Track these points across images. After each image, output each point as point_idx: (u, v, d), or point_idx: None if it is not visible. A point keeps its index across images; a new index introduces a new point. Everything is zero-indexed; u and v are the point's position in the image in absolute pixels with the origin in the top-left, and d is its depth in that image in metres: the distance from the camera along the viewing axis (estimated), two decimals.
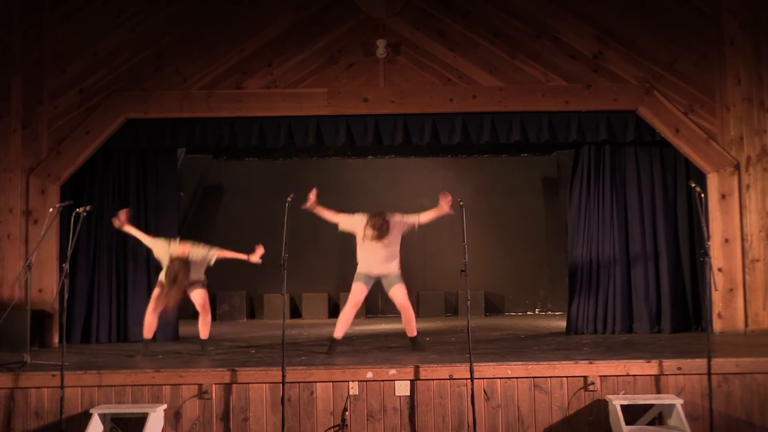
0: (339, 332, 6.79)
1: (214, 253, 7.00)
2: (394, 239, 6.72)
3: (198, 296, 7.02)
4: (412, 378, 5.72)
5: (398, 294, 6.73)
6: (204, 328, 7.07)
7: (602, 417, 5.67)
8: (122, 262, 8.47)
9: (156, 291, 6.93)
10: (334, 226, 6.94)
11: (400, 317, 6.92)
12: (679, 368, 5.75)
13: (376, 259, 6.70)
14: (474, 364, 5.55)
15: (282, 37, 8.30)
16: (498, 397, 5.72)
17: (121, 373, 5.79)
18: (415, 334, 6.92)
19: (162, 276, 6.89)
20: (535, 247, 12.02)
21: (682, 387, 5.72)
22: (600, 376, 5.73)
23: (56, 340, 7.85)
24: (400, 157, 11.76)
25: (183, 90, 8.23)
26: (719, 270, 8.05)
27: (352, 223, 6.81)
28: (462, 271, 5.68)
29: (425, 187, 12.01)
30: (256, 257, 6.96)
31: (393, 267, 6.75)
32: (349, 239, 6.69)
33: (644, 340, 7.60)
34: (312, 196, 6.68)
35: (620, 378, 5.74)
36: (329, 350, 6.71)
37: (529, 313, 12.07)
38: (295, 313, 11.93)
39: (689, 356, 5.92)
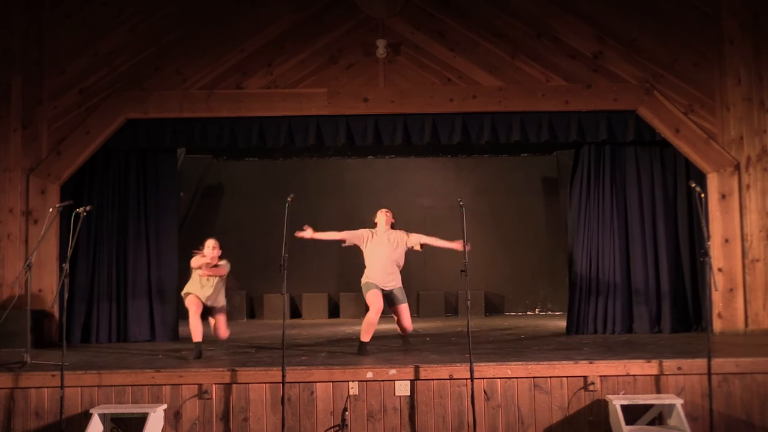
0: (366, 336, 6.69)
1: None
2: (399, 249, 6.78)
3: (220, 322, 7.02)
4: (412, 378, 5.71)
5: (405, 315, 6.85)
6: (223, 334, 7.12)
7: (602, 417, 5.67)
8: (122, 262, 8.46)
9: (189, 301, 6.81)
10: (335, 227, 6.94)
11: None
12: (679, 368, 5.75)
13: (382, 265, 6.72)
14: (474, 364, 5.55)
15: (282, 37, 8.30)
16: (498, 397, 5.72)
17: (121, 373, 5.78)
18: (406, 335, 7.09)
19: (190, 288, 6.85)
20: (535, 247, 12.02)
21: (682, 387, 5.72)
22: (600, 376, 5.73)
23: (56, 340, 7.84)
24: (400, 157, 11.76)
25: (183, 90, 8.23)
26: (719, 270, 8.05)
27: (356, 235, 6.84)
28: (462, 271, 5.69)
29: (425, 187, 12.06)
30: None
31: (397, 278, 6.81)
32: None
33: (644, 340, 7.59)
34: (307, 231, 6.64)
35: (620, 378, 5.74)
36: (359, 351, 6.65)
37: (529, 313, 12.06)
38: (295, 313, 11.93)
39: (689, 356, 5.92)
